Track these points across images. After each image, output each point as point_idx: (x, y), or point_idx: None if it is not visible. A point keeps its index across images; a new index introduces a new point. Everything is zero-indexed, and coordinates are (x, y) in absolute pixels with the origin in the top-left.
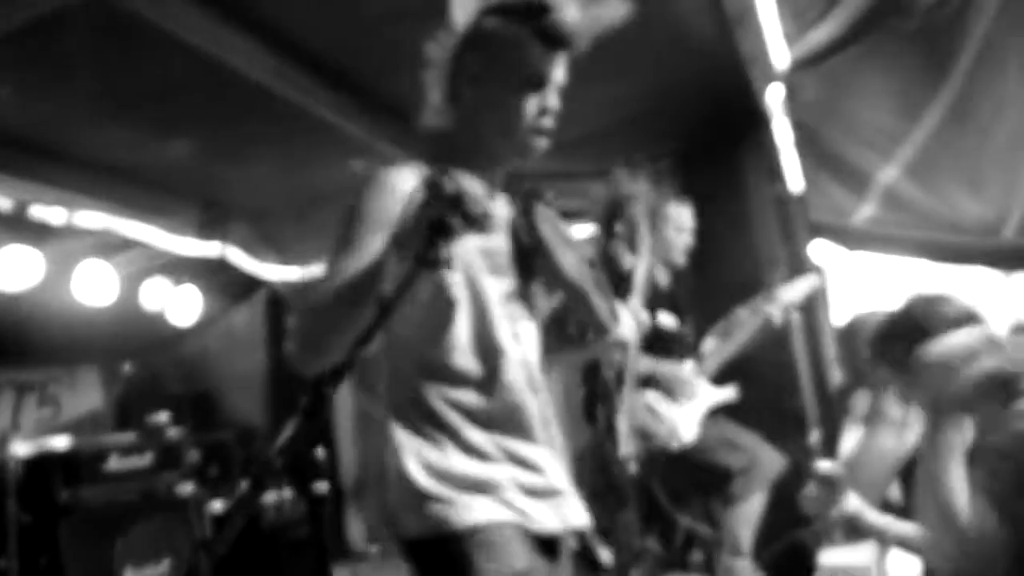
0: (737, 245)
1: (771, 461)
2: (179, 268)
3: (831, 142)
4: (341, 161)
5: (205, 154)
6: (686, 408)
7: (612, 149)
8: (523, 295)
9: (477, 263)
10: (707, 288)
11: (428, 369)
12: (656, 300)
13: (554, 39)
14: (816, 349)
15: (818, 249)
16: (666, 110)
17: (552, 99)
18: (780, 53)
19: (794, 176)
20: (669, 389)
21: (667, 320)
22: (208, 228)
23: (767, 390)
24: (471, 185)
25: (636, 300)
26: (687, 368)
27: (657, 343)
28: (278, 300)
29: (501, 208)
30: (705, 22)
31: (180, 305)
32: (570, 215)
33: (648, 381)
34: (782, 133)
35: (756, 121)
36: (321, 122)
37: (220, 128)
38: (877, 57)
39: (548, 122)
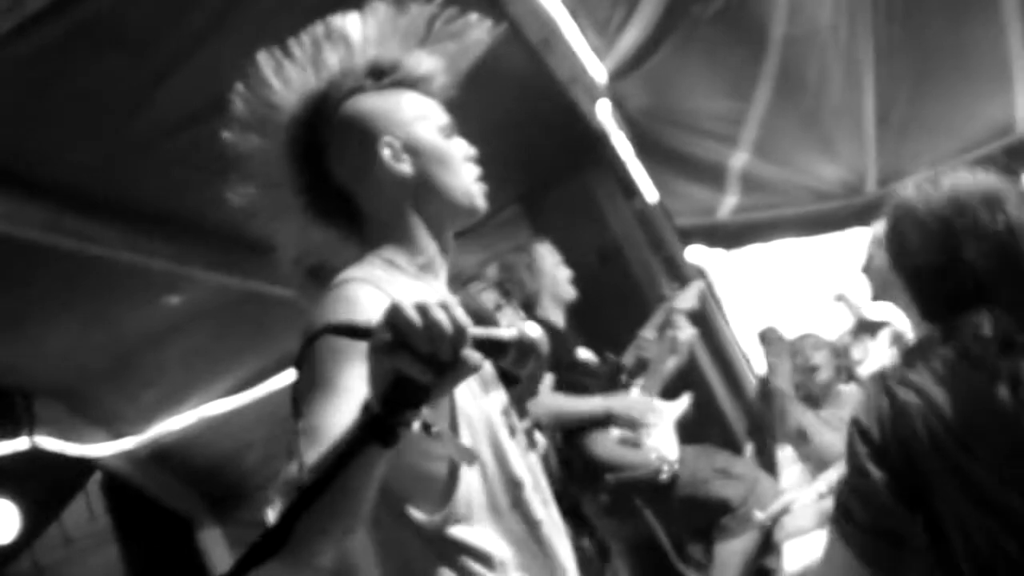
0: (610, 270)
1: (768, 489)
2: None
3: (674, 142)
4: (150, 304)
5: None
6: (657, 431)
7: None
8: (513, 400)
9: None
10: (595, 319)
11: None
12: (559, 338)
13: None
14: (724, 358)
15: (693, 254)
16: (499, 154)
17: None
18: (596, 68)
19: (647, 187)
20: (629, 421)
21: (585, 354)
22: (8, 421)
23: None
24: (446, 309)
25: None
26: (636, 394)
27: (585, 379)
28: (116, 482)
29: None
30: (513, 55)
31: None
32: None
33: (607, 420)
34: (623, 147)
35: (594, 142)
36: (116, 265)
37: None
38: (692, 47)
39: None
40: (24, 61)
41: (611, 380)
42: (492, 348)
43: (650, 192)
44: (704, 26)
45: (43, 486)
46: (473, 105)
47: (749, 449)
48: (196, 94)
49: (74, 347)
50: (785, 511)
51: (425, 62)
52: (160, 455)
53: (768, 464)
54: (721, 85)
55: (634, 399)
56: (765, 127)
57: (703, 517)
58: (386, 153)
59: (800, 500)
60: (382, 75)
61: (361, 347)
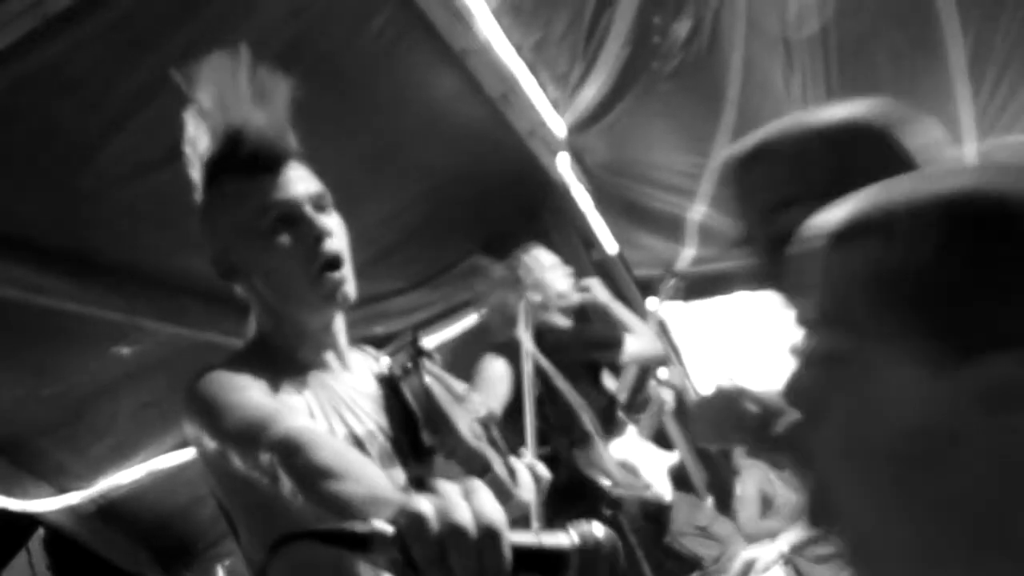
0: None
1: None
2: None
3: (634, 195)
4: (100, 354)
5: None
6: (652, 462)
7: (412, 261)
8: (420, 485)
9: None
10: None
11: None
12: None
13: (263, 163)
14: (683, 409)
15: (652, 305)
16: (459, 205)
17: (318, 221)
18: (556, 122)
19: (607, 238)
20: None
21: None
22: None
23: None
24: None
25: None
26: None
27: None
28: (60, 538)
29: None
30: (473, 108)
31: None
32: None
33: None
34: (582, 199)
35: (553, 194)
36: (64, 315)
37: None
38: (651, 102)
39: (330, 246)
40: None
41: (606, 413)
42: (546, 563)
43: (610, 244)
44: (662, 82)
45: None
46: (434, 157)
47: (709, 502)
48: (146, 145)
49: (21, 400)
50: (748, 570)
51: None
52: (107, 510)
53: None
54: (679, 139)
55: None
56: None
57: (676, 568)
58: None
59: (763, 559)
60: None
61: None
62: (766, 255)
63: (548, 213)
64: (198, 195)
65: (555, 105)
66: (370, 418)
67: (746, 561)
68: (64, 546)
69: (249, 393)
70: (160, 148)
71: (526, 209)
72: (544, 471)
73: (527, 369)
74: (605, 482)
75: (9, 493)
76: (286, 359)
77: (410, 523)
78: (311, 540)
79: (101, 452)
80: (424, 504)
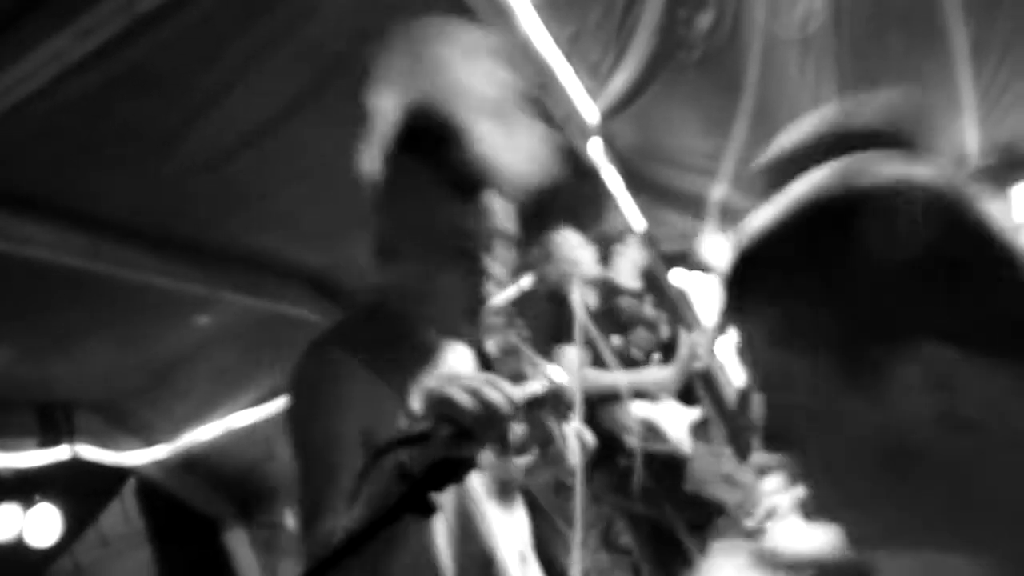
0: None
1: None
2: (26, 484)
3: (659, 176)
4: (182, 324)
5: (30, 356)
6: (673, 423)
7: None
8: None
9: None
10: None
11: None
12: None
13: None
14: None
15: (677, 278)
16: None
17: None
18: (589, 108)
19: (634, 217)
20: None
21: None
22: (51, 432)
23: None
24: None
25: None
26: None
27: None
28: (149, 487)
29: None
30: None
31: (36, 526)
32: None
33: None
34: (612, 180)
35: (586, 175)
36: (151, 289)
37: (41, 325)
38: (676, 89)
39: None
40: (68, 105)
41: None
42: (530, 405)
43: (638, 222)
44: (687, 71)
45: (82, 492)
46: None
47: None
48: (224, 134)
49: (112, 364)
50: (770, 515)
51: None
52: (190, 463)
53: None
54: (702, 124)
55: (655, 374)
56: (741, 162)
57: (701, 515)
58: None
59: (783, 503)
60: None
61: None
62: None
63: (582, 194)
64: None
65: (589, 93)
66: None
67: (767, 507)
68: (153, 494)
69: (331, 435)
70: (234, 139)
71: (561, 190)
72: (590, 438)
73: (577, 336)
74: (628, 438)
75: (104, 447)
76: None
77: (447, 403)
78: (397, 447)
79: (184, 411)
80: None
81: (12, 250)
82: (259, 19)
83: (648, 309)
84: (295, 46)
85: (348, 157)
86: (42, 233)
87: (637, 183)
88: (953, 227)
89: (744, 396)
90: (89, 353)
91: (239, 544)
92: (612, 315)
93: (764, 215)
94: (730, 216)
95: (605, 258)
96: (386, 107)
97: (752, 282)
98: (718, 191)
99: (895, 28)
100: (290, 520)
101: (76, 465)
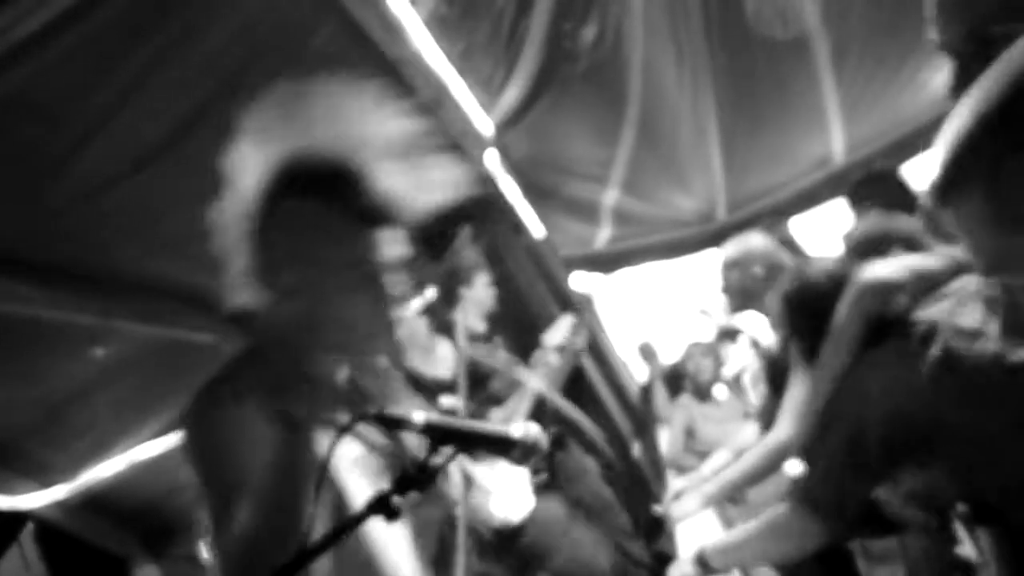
0: (509, 298)
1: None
2: None
3: (554, 184)
4: (77, 357)
5: None
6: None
7: None
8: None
9: None
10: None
11: None
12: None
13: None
14: (608, 368)
15: (577, 280)
16: None
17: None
18: (483, 121)
19: (534, 224)
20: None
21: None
22: None
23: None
24: None
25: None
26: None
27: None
28: (49, 530)
29: None
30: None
31: None
32: None
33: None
34: (510, 190)
35: (485, 187)
36: (41, 322)
37: None
38: (565, 100)
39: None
40: None
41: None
42: (499, 445)
43: (537, 229)
44: (574, 83)
45: None
46: None
47: (637, 447)
48: (111, 160)
49: (2, 404)
50: (675, 498)
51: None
52: (92, 500)
53: (653, 459)
54: (591, 133)
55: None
56: (631, 168)
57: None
58: None
59: (687, 487)
60: None
61: None
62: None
63: (481, 204)
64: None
65: (482, 106)
66: None
67: (675, 490)
68: (53, 537)
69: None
70: (124, 162)
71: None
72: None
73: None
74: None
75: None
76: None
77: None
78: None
79: (83, 447)
80: None
81: None
82: (145, 41)
83: (501, 354)
84: (181, 68)
85: None
86: None
87: (534, 191)
88: None
89: (647, 391)
90: None
91: None
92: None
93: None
94: (622, 219)
95: (450, 299)
96: (255, 159)
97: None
98: (610, 196)
99: (763, 40)
100: (203, 551)
101: None
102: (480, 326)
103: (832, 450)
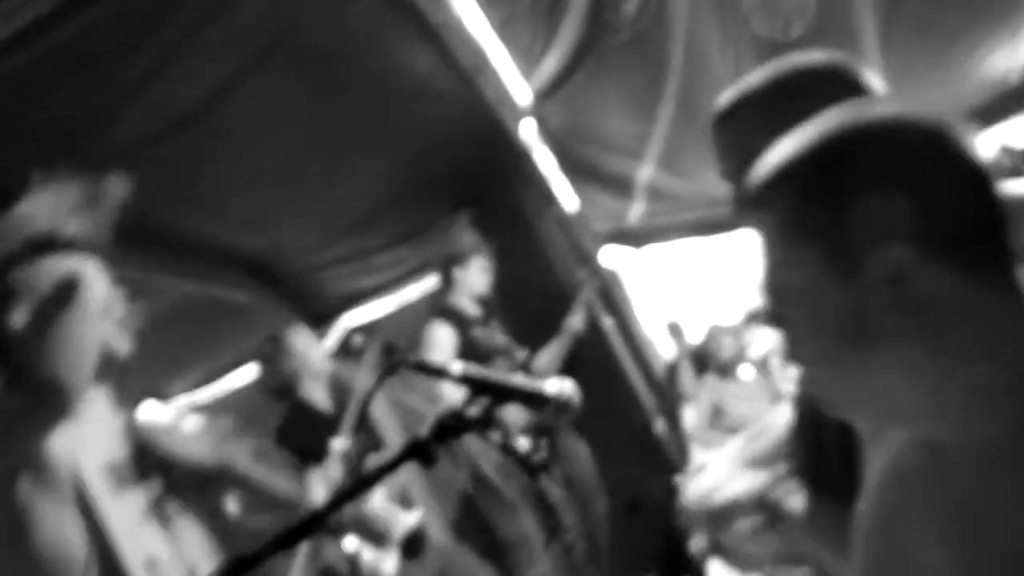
0: (534, 272)
1: None
2: None
3: (589, 157)
4: None
5: None
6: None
7: (395, 219)
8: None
9: None
10: (521, 315)
11: None
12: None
13: None
14: (635, 344)
15: (608, 254)
16: (434, 168)
17: None
18: (521, 90)
19: (567, 197)
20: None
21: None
22: None
23: (602, 399)
24: None
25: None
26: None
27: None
28: None
29: None
30: (447, 78)
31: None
32: (372, 292)
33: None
34: (544, 161)
35: (519, 157)
36: None
37: None
38: (604, 73)
39: None
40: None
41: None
42: (533, 400)
43: (569, 201)
44: (614, 54)
45: None
46: (413, 125)
47: (661, 423)
48: (159, 114)
49: None
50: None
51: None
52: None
53: (677, 435)
54: (629, 107)
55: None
56: (668, 144)
57: None
58: None
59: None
60: None
61: None
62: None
63: (514, 174)
64: None
65: (521, 75)
66: None
67: (698, 463)
68: None
69: None
70: (171, 118)
71: (495, 171)
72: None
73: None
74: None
75: None
76: None
77: None
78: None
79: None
80: None
81: None
82: (186, 5)
83: (499, 336)
84: (224, 30)
85: (279, 141)
86: None
87: (568, 164)
88: (938, 155)
89: (673, 368)
90: None
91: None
92: (470, 349)
93: (786, 143)
94: (656, 195)
95: (446, 281)
96: None
97: (774, 189)
98: (645, 172)
99: (808, 15)
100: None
101: None
102: (473, 308)
103: None
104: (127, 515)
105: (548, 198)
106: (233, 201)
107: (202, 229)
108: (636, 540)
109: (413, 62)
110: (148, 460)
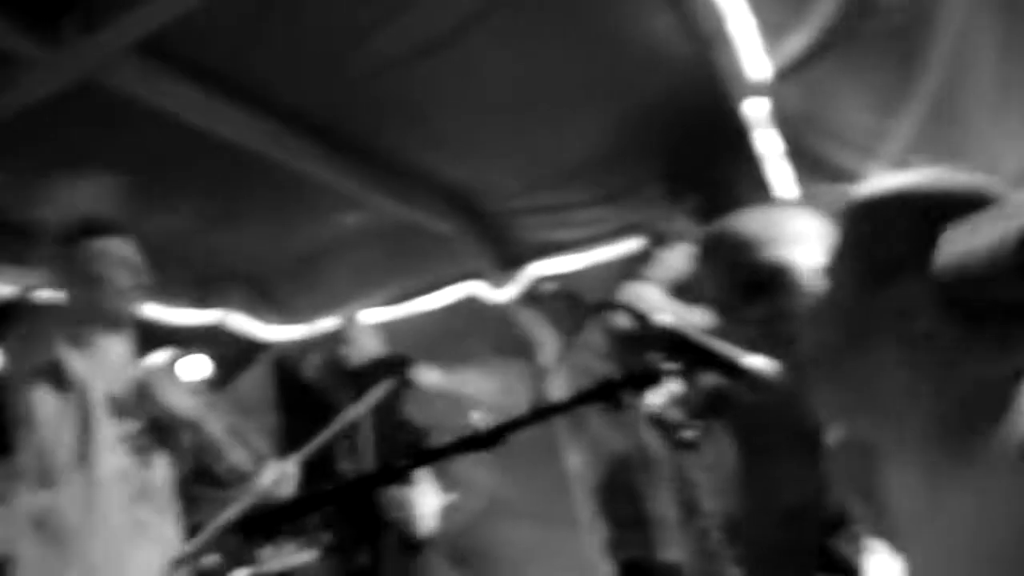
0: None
1: None
2: (178, 338)
3: (816, 147)
4: (332, 217)
5: (200, 224)
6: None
7: (600, 177)
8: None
9: None
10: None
11: None
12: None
13: None
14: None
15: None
16: (651, 131)
17: None
18: (758, 66)
19: (784, 183)
20: None
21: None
22: (206, 296)
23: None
24: None
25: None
26: None
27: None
28: (285, 361)
29: None
30: (682, 43)
31: (189, 370)
32: (566, 246)
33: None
34: (767, 143)
35: (736, 135)
36: (312, 181)
37: (214, 197)
38: (852, 60)
39: None
40: None
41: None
42: (729, 369)
43: (785, 188)
44: (866, 42)
45: (224, 354)
46: (639, 85)
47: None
48: (404, 43)
49: (268, 245)
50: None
51: None
52: (318, 346)
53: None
54: (871, 100)
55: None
56: (909, 145)
57: None
58: None
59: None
60: None
61: None
62: None
63: (733, 154)
64: None
65: (763, 51)
66: None
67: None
68: (286, 369)
69: None
70: (413, 48)
71: (713, 147)
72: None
73: None
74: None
75: (250, 318)
76: None
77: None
78: None
79: (320, 299)
80: None
81: (201, 125)
82: None
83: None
84: None
85: (506, 83)
86: (231, 113)
87: (795, 150)
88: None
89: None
90: (249, 229)
91: None
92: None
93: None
94: None
95: (647, 256)
96: None
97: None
98: (875, 170)
99: None
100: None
101: (222, 330)
102: (659, 291)
103: None
104: (111, 435)
105: (764, 183)
106: (452, 133)
107: (420, 156)
108: (785, 540)
109: (651, 22)
110: (142, 398)
